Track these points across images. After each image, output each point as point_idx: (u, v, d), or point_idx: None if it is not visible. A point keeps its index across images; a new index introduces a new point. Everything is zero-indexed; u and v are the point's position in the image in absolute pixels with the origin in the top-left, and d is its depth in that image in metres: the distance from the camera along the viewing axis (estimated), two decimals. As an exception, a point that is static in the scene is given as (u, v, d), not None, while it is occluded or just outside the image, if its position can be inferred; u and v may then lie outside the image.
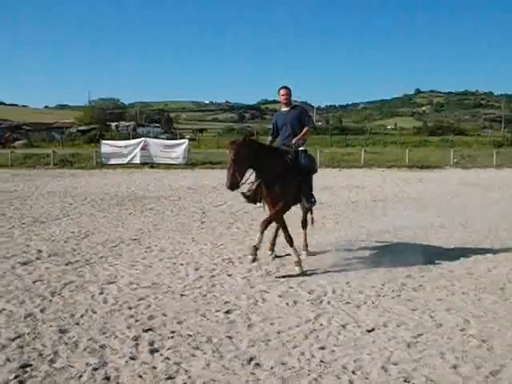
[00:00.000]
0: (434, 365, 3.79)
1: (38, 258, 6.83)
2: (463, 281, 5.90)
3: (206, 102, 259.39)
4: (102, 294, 5.38)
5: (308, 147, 6.69)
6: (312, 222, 7.03)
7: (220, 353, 3.98)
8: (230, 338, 4.26)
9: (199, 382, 3.53)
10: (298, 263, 6.19)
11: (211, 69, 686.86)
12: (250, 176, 6.14)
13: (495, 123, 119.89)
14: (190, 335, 4.30)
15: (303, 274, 6.08)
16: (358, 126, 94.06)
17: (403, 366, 3.77)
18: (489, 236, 8.42)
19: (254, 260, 5.99)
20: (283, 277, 6.01)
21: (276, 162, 6.08)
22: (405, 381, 3.56)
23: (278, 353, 3.98)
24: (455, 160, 25.19)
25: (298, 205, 6.59)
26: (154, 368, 3.72)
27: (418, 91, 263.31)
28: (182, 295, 5.35)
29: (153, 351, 3.99)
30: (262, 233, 6.01)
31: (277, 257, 6.80)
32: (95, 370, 3.68)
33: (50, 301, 5.13)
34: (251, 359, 3.86)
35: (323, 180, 13.72)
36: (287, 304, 5.09)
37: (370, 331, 4.42)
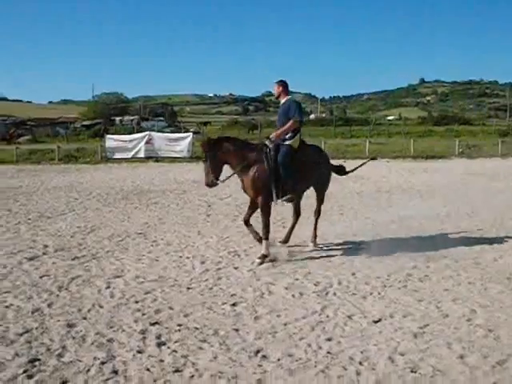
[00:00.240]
0: (440, 355, 3.79)
1: (44, 253, 6.86)
2: (469, 271, 5.90)
3: (210, 94, 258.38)
4: (108, 288, 5.41)
5: (312, 138, 6.73)
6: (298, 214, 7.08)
7: (227, 345, 3.99)
8: (236, 330, 4.28)
9: (206, 375, 3.54)
10: (263, 257, 6.28)
11: (215, 61, 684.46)
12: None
13: (500, 112, 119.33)
14: (197, 328, 4.32)
15: (258, 264, 6.17)
16: (362, 116, 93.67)
17: (410, 356, 3.77)
18: (495, 225, 8.41)
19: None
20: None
21: (247, 156, 6.31)
22: (411, 371, 3.56)
23: (285, 345, 3.99)
24: (460, 150, 25.06)
25: (314, 196, 7.07)
26: (162, 361, 3.75)
27: (423, 81, 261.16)
28: (188, 288, 5.37)
29: (160, 344, 4.02)
30: (248, 225, 6.59)
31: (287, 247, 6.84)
32: (103, 363, 3.70)
33: (57, 295, 5.16)
34: (258, 351, 3.88)
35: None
36: (293, 296, 5.11)
37: (376, 322, 4.43)
